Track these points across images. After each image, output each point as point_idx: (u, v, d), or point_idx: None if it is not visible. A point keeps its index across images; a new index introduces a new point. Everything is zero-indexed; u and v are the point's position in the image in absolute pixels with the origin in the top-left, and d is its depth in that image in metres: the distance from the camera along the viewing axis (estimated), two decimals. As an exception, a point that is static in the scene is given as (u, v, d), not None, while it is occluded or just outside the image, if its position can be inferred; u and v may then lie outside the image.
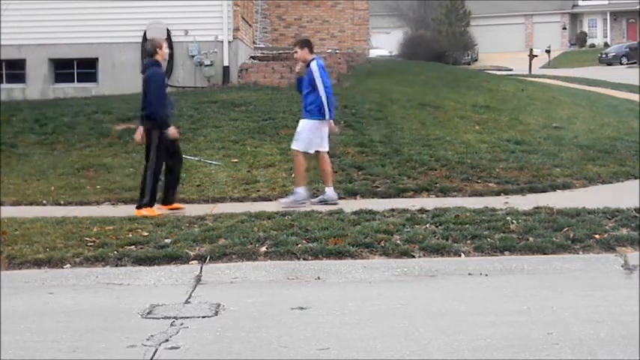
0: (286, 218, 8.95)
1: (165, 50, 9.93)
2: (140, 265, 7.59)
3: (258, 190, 10.88)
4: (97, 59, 18.38)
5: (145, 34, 18.07)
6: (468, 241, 8.01)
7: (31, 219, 9.20)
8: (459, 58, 55.43)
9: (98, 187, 11.23)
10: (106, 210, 10.10)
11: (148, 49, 10.21)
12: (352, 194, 10.66)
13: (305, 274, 7.38)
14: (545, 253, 7.72)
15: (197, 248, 7.92)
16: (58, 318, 6.25)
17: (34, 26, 17.88)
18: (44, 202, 10.69)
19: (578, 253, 7.75)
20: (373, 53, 39.27)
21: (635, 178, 11.76)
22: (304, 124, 10.26)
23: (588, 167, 12.12)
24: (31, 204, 10.58)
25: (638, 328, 5.62)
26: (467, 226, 8.43)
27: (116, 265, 7.59)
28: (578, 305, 6.27)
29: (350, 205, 9.74)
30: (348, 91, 17.57)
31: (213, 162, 12.22)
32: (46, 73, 18.42)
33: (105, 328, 5.96)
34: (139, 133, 9.88)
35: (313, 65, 10.17)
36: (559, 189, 10.99)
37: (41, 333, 5.86)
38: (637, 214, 8.76)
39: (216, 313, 6.26)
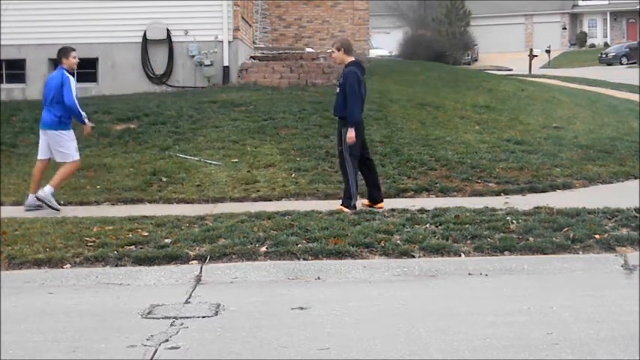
0: (286, 218, 8.96)
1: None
2: (140, 265, 7.59)
3: (258, 190, 10.88)
4: (97, 59, 18.37)
5: (145, 33, 18.08)
6: (468, 241, 8.02)
7: (31, 219, 9.20)
8: (459, 58, 55.43)
9: (98, 187, 11.23)
10: (106, 210, 10.11)
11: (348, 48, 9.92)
12: (352, 194, 10.65)
13: (305, 274, 7.38)
14: (545, 253, 7.72)
15: (197, 248, 7.92)
16: (58, 318, 6.25)
17: (34, 26, 17.87)
18: (44, 202, 10.69)
19: (578, 253, 7.75)
20: (373, 53, 39.27)
21: (635, 178, 11.76)
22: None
23: (588, 167, 12.12)
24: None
25: (638, 328, 5.62)
26: (467, 226, 8.43)
27: (116, 265, 7.59)
28: (578, 305, 6.27)
29: (350, 205, 9.74)
30: (348, 91, 17.53)
31: (213, 162, 12.22)
32: (46, 73, 18.35)
33: (105, 328, 5.96)
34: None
35: None
36: (559, 189, 10.99)
37: (41, 333, 5.87)
38: (637, 214, 8.77)
39: (216, 313, 6.27)
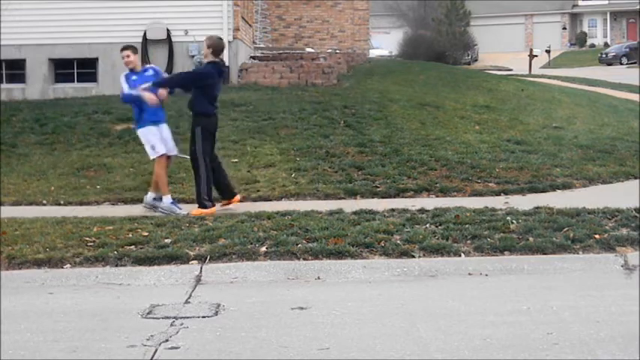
0: (286, 218, 8.96)
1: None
2: (140, 265, 7.59)
3: (258, 190, 10.88)
4: (97, 59, 18.38)
5: (145, 34, 18.09)
6: (468, 241, 8.02)
7: (31, 219, 9.20)
8: (459, 58, 55.36)
9: (98, 187, 11.23)
10: (106, 210, 10.11)
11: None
12: (352, 194, 10.66)
13: (305, 274, 7.39)
14: (545, 253, 7.72)
15: (197, 248, 7.92)
16: (58, 318, 6.25)
17: (34, 26, 17.87)
18: (44, 202, 10.69)
19: (578, 253, 7.75)
20: (373, 53, 39.26)
21: (635, 178, 11.76)
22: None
23: (588, 167, 12.13)
24: (31, 204, 10.58)
25: (638, 328, 5.62)
26: (467, 226, 8.43)
27: (116, 265, 7.59)
28: (578, 305, 6.27)
29: (350, 205, 9.75)
30: (348, 91, 17.57)
31: (213, 162, 12.20)
32: (46, 73, 18.42)
33: (105, 328, 5.96)
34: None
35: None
36: (559, 189, 10.99)
37: (41, 333, 5.87)
38: (637, 214, 8.77)
39: (216, 313, 6.27)
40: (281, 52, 21.93)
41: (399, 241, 8.01)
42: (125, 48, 10.24)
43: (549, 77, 34.09)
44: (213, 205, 9.79)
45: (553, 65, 50.59)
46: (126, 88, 10.00)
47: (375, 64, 26.10)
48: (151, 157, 10.10)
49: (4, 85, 18.34)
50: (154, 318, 6.17)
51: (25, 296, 6.95)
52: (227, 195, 10.09)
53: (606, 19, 68.00)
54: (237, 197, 10.11)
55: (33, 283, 7.33)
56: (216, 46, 9.99)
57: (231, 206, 9.96)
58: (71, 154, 13.12)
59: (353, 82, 19.17)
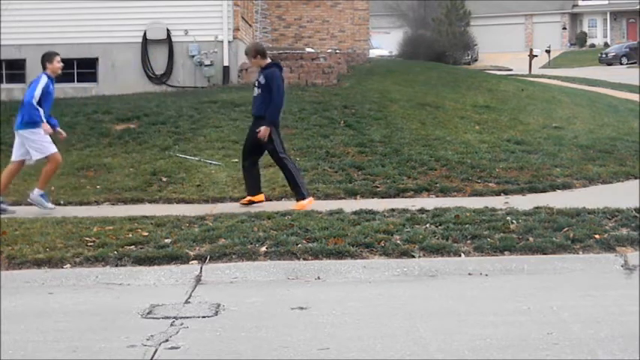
0: (286, 218, 8.96)
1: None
2: (140, 265, 7.59)
3: (258, 190, 10.88)
4: (96, 59, 18.38)
5: (145, 34, 18.10)
6: (468, 241, 8.02)
7: (31, 219, 9.20)
8: (459, 58, 55.37)
9: (98, 187, 11.23)
10: (106, 210, 10.11)
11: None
12: (352, 194, 10.66)
13: (305, 274, 7.39)
14: (545, 253, 7.72)
15: (197, 248, 7.92)
16: (58, 318, 6.25)
17: (34, 26, 17.88)
18: (44, 202, 10.70)
19: (578, 253, 7.75)
20: (373, 53, 39.26)
21: (635, 178, 11.76)
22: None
23: (588, 167, 12.12)
24: (31, 204, 10.57)
25: (638, 328, 5.62)
26: (467, 226, 8.43)
27: (116, 265, 7.60)
28: (578, 305, 6.27)
29: (350, 205, 9.75)
30: (348, 91, 17.56)
31: (213, 162, 12.22)
32: (46, 73, 18.41)
33: (105, 328, 5.96)
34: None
35: None
36: (559, 189, 10.99)
37: (41, 333, 5.87)
38: (637, 214, 8.76)
39: (216, 313, 6.27)
40: (281, 52, 21.92)
41: (399, 241, 8.01)
42: (58, 53, 10.46)
43: (549, 77, 34.09)
44: (310, 195, 10.04)
45: (553, 65, 50.60)
46: (38, 93, 10.06)
47: (375, 64, 26.08)
48: (51, 152, 10.13)
49: (4, 85, 18.35)
50: (154, 318, 6.17)
51: (25, 296, 6.96)
52: (253, 192, 10.17)
53: (606, 19, 68.03)
54: (262, 196, 10.22)
55: (33, 283, 7.34)
56: (259, 50, 10.22)
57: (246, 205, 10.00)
58: (71, 154, 13.09)
59: (353, 82, 19.15)
